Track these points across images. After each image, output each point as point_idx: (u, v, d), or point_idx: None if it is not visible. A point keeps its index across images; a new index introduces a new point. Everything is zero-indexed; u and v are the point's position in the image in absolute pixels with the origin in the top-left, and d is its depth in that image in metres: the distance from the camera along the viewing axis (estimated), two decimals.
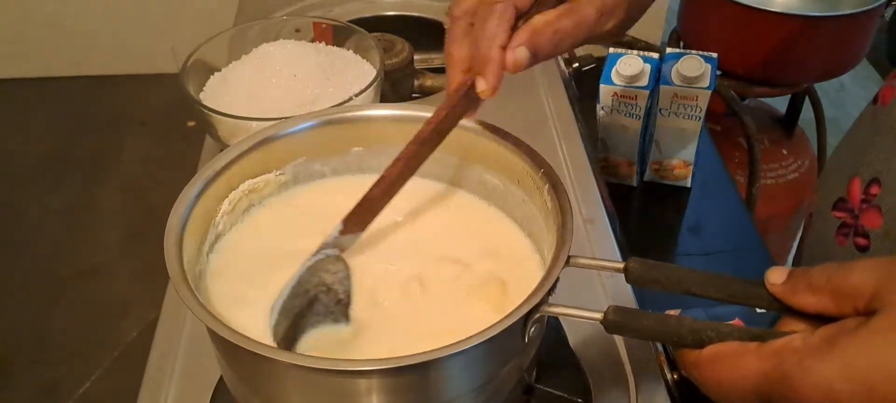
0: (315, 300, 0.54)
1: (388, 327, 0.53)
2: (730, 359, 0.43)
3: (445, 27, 0.57)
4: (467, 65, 0.55)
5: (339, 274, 0.55)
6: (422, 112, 0.61)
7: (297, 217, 0.62)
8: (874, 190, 0.65)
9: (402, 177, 0.55)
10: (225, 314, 0.53)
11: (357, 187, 0.56)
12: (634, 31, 1.19)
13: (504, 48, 0.52)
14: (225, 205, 0.58)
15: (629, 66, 0.92)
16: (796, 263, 0.85)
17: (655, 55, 0.94)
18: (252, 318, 0.52)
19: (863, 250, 0.65)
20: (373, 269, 0.57)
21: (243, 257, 0.58)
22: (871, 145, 0.67)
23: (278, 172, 0.61)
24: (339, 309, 0.54)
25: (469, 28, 0.55)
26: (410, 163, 0.55)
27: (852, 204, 0.67)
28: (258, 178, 0.60)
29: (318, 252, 0.54)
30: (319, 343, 0.52)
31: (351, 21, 0.91)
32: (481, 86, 0.53)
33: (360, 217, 0.55)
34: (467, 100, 0.55)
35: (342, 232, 0.55)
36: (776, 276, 0.45)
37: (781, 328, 0.44)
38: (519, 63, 0.52)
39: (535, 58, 0.53)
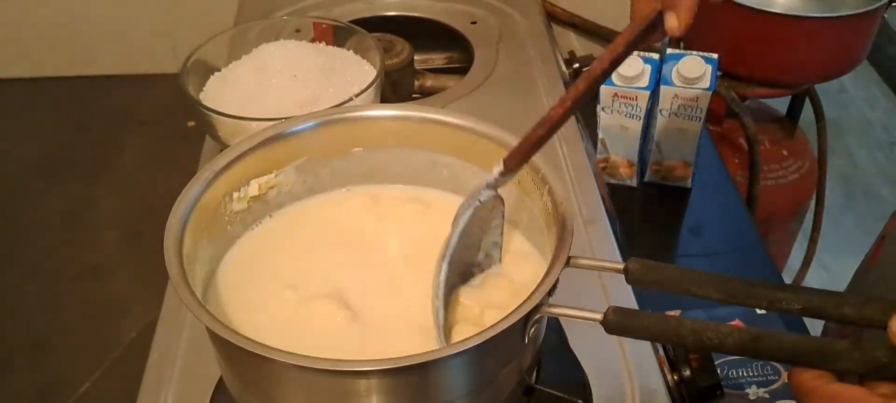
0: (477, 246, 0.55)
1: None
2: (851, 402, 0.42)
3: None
4: None
5: (496, 210, 0.55)
6: (422, 112, 0.61)
7: (312, 222, 0.62)
8: None
9: (566, 116, 0.50)
10: (231, 312, 0.53)
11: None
12: None
13: None
14: (235, 205, 0.59)
15: (630, 66, 0.92)
16: (856, 283, 0.82)
17: (656, 56, 0.94)
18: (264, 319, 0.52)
19: None
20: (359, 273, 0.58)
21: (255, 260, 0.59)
22: None
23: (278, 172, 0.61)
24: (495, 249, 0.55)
25: None
26: (578, 101, 0.50)
27: None
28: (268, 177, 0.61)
29: (477, 193, 0.54)
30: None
31: (351, 21, 0.91)
32: (672, 22, 0.46)
33: (520, 156, 0.53)
34: (646, 35, 0.49)
35: (502, 174, 0.53)
36: None
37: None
38: None
39: None
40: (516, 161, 0.53)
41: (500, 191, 0.58)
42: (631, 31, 0.48)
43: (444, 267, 0.52)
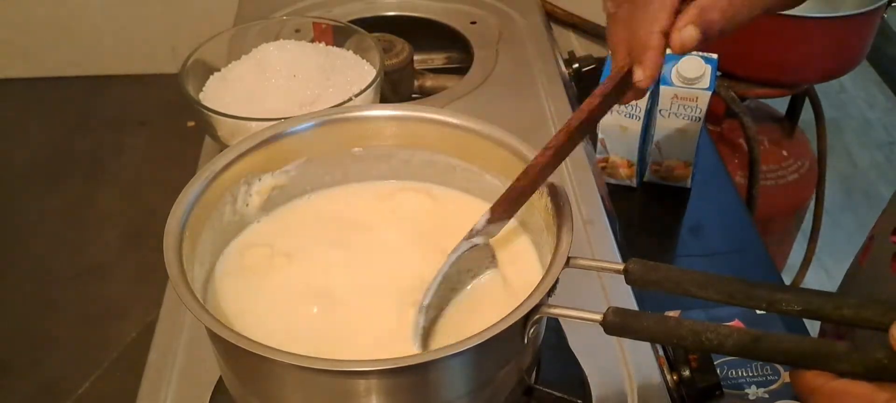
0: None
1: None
2: (857, 399, 0.42)
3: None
4: (628, 49, 0.51)
5: (485, 261, 0.55)
6: (422, 112, 0.61)
7: (311, 223, 0.62)
8: None
9: (549, 166, 0.52)
10: (232, 315, 0.53)
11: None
12: None
13: (665, 33, 0.48)
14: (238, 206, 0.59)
15: None
16: (847, 283, 0.82)
17: None
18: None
19: None
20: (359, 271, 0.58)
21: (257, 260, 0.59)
22: None
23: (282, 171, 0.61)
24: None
25: (632, 9, 0.51)
26: (558, 153, 0.52)
27: None
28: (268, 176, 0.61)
29: (465, 241, 0.54)
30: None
31: (351, 21, 0.91)
32: (638, 75, 0.49)
33: (507, 206, 0.53)
34: (623, 87, 0.51)
35: (489, 221, 0.54)
36: None
37: None
38: (686, 44, 0.48)
39: (707, 36, 0.48)
40: (503, 209, 0.53)
41: (499, 192, 0.58)
42: (606, 84, 0.51)
43: (422, 317, 0.51)
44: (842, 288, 0.84)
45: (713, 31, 0.48)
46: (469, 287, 0.56)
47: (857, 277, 0.78)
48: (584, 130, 0.52)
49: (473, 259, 0.55)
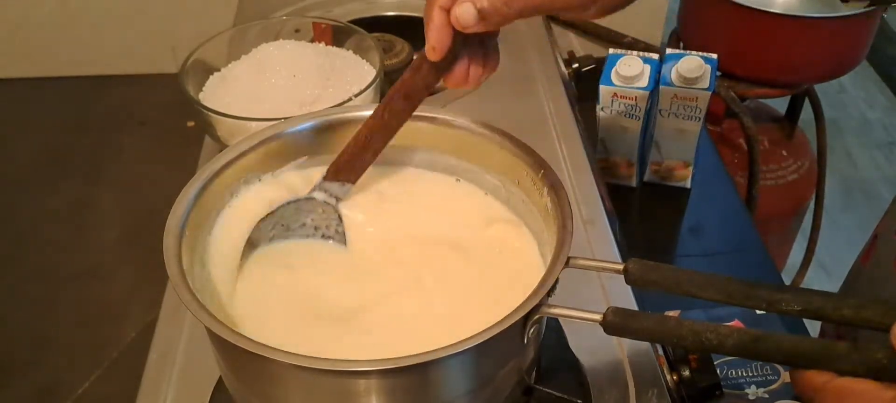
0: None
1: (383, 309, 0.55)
2: (861, 397, 0.42)
3: None
4: None
5: (330, 220, 0.60)
6: (421, 112, 0.61)
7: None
8: None
9: (372, 134, 0.57)
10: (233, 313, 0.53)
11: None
12: (634, 32, 1.20)
13: (446, 9, 0.51)
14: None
15: (629, 66, 0.92)
16: (850, 283, 0.82)
17: (655, 56, 0.94)
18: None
19: None
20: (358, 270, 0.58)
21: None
22: None
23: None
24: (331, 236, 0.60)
25: None
26: (379, 122, 0.57)
27: None
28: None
29: (310, 193, 0.59)
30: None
31: (351, 21, 0.91)
32: (426, 47, 0.53)
33: (338, 168, 0.59)
34: (429, 64, 0.54)
35: (325, 178, 0.59)
36: None
37: None
38: (459, 20, 0.50)
39: (484, 16, 0.50)
40: (333, 170, 0.59)
41: (500, 192, 0.58)
42: (414, 61, 0.55)
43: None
44: (844, 288, 0.84)
45: (490, 13, 0.50)
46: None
47: (860, 277, 0.78)
48: (405, 106, 0.57)
49: (311, 212, 0.59)
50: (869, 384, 0.42)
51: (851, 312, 0.44)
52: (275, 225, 0.59)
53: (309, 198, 0.59)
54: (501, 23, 0.51)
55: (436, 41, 0.52)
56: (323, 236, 0.60)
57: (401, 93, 0.56)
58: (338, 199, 0.60)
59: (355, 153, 0.58)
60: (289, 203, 0.59)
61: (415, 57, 0.56)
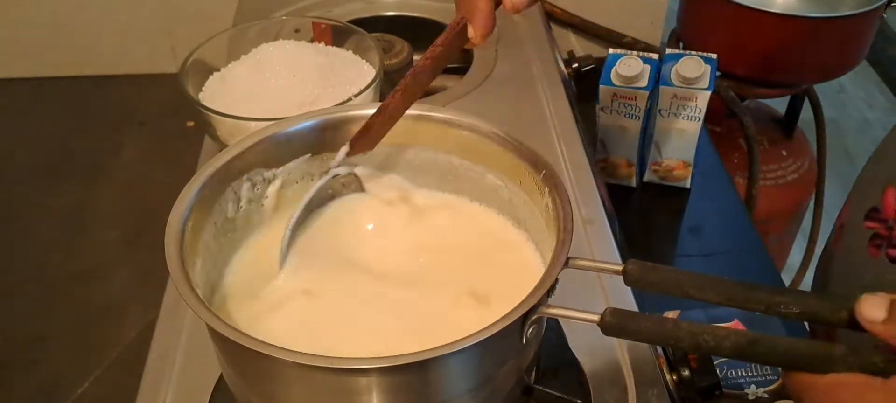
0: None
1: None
2: (852, 390, 0.41)
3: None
4: (464, 6, 0.56)
5: (350, 187, 0.62)
6: (422, 112, 0.61)
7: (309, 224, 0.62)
8: None
9: (400, 106, 0.58)
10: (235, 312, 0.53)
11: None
12: (634, 32, 1.20)
13: None
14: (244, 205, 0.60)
15: (629, 66, 0.92)
16: (821, 274, 0.83)
17: (655, 56, 0.94)
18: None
19: None
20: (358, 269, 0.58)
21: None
22: None
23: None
24: None
25: None
26: (407, 95, 0.57)
27: (886, 214, 0.66)
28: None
29: (329, 171, 0.60)
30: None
31: (350, 21, 0.91)
32: (471, 33, 0.55)
33: (365, 139, 0.58)
34: (461, 39, 0.56)
35: (349, 154, 0.59)
36: (874, 310, 0.41)
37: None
38: (517, 5, 0.53)
39: None
40: (361, 144, 0.59)
41: (500, 191, 0.59)
42: (445, 35, 0.56)
43: (288, 233, 0.57)
44: (815, 279, 0.85)
45: None
46: (331, 205, 0.62)
47: (831, 266, 0.78)
48: (431, 76, 0.57)
49: (335, 185, 0.62)
50: (859, 377, 0.42)
51: (850, 315, 0.44)
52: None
53: (333, 176, 0.61)
54: None
55: (484, 30, 0.54)
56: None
57: (430, 64, 0.56)
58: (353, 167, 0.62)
59: (381, 126, 0.58)
60: (317, 188, 0.60)
61: (444, 34, 0.56)
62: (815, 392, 0.43)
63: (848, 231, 0.73)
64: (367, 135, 0.58)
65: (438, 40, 0.57)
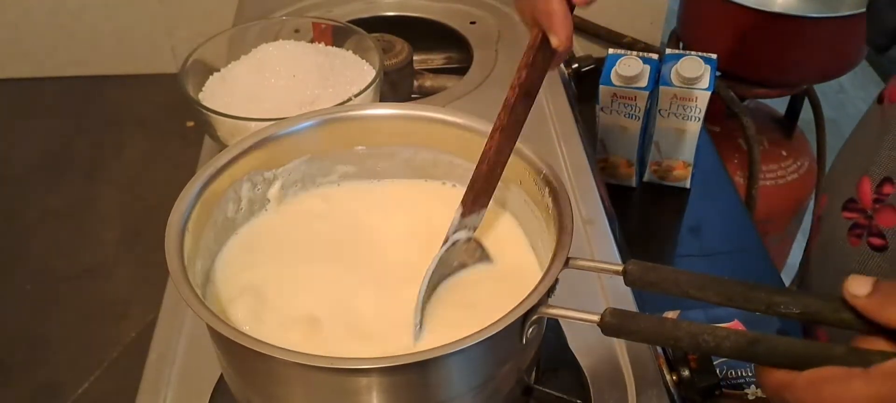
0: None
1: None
2: (835, 383, 0.40)
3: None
4: (533, 18, 0.53)
5: (476, 254, 0.56)
6: (422, 112, 0.61)
7: (312, 220, 0.62)
8: (888, 189, 0.64)
9: (502, 148, 0.54)
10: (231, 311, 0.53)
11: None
12: (634, 32, 1.20)
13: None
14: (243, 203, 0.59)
15: (628, 66, 0.92)
16: (805, 268, 0.84)
17: (655, 56, 0.94)
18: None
19: (879, 250, 0.65)
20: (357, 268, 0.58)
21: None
22: (881, 144, 0.67)
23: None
24: None
25: None
26: (506, 132, 0.53)
27: (863, 204, 0.66)
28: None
29: (448, 240, 0.55)
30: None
31: (350, 21, 0.91)
32: (554, 41, 0.52)
33: (476, 195, 0.55)
34: (545, 55, 0.53)
35: (463, 215, 0.55)
36: (859, 287, 0.41)
37: (862, 345, 0.42)
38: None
39: None
40: (473, 200, 0.55)
41: (500, 192, 0.59)
42: (526, 55, 0.52)
43: (418, 315, 0.52)
44: (800, 273, 0.85)
45: None
46: (458, 277, 0.56)
47: (813, 260, 0.78)
48: (526, 105, 0.54)
49: (458, 254, 0.56)
50: (840, 368, 0.41)
51: (851, 316, 0.44)
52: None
53: (453, 244, 0.55)
54: None
55: (566, 32, 0.51)
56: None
57: (521, 93, 0.53)
58: (472, 230, 0.57)
59: (488, 175, 0.55)
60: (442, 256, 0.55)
61: (524, 55, 0.53)
62: (794, 390, 0.42)
63: (826, 223, 0.73)
64: (477, 188, 0.55)
65: (521, 63, 0.53)
